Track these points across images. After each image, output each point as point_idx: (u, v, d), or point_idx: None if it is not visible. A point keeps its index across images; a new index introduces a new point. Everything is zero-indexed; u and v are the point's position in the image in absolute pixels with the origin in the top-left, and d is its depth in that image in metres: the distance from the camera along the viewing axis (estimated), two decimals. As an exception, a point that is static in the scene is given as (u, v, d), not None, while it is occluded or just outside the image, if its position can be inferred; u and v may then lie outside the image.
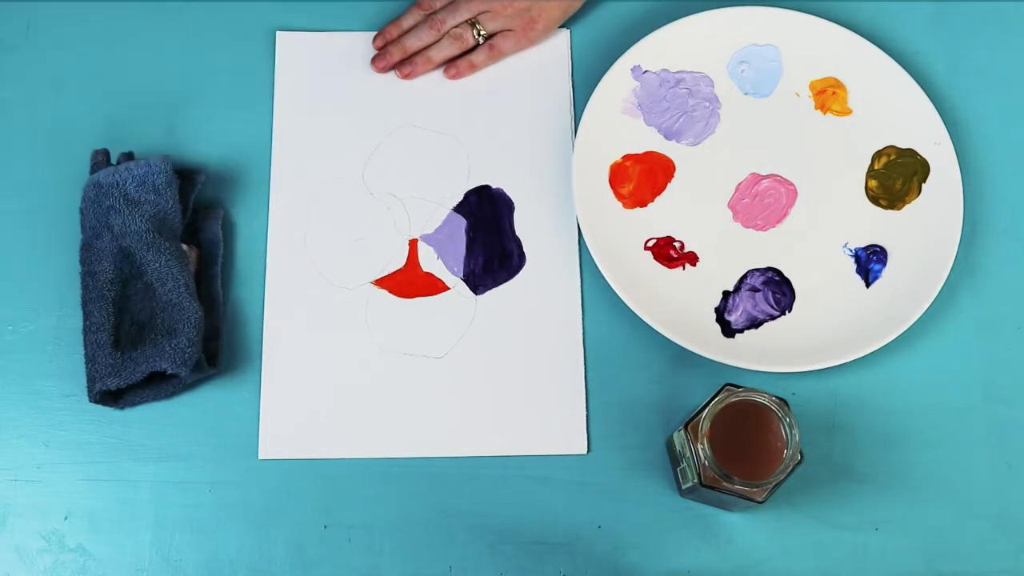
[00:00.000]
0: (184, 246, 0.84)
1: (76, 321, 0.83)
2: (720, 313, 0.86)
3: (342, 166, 0.89)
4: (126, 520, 0.80)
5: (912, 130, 0.90)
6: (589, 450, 0.82)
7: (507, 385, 0.84)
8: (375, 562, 0.80)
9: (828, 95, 0.91)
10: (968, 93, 0.92)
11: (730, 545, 0.81)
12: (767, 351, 0.84)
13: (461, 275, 0.87)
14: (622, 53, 0.90)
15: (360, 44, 0.92)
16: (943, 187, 0.88)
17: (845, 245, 0.88)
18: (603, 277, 0.84)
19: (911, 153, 0.89)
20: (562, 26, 0.93)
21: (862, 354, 0.83)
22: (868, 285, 0.86)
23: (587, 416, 0.83)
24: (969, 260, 0.88)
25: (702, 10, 0.91)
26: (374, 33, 0.92)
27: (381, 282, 0.86)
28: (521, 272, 0.87)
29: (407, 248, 0.87)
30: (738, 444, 0.73)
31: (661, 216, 0.88)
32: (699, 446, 0.73)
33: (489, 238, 0.87)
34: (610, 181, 0.89)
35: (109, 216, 0.82)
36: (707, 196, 0.89)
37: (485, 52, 0.91)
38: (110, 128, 0.89)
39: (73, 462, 0.82)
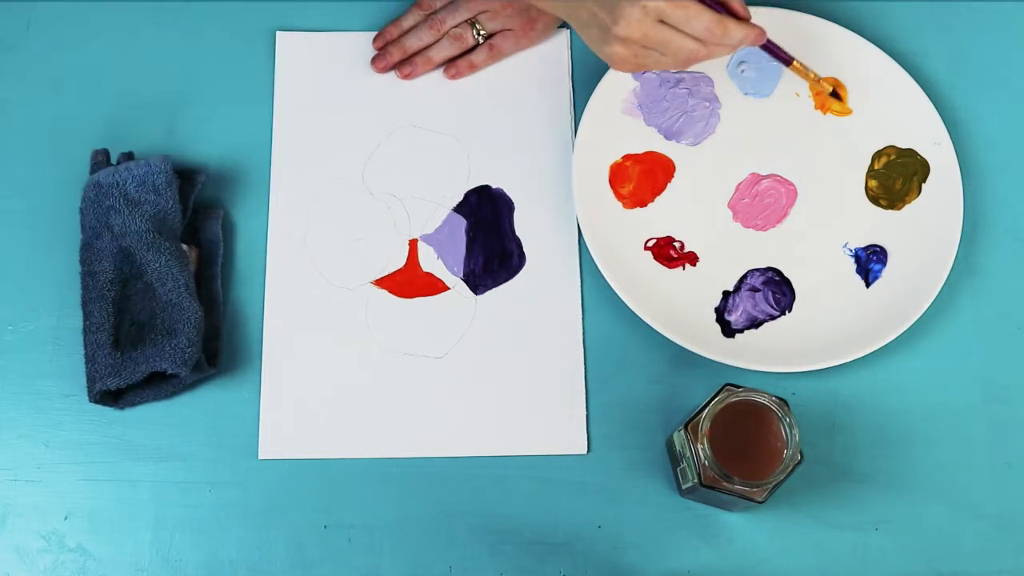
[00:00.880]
0: (184, 246, 0.84)
1: (76, 321, 0.83)
2: (720, 313, 0.86)
3: (342, 166, 0.89)
4: (126, 520, 0.80)
5: (912, 130, 0.90)
6: (589, 450, 0.82)
7: (507, 385, 0.84)
8: (375, 562, 0.80)
9: (828, 95, 0.91)
10: (968, 93, 0.92)
11: (730, 545, 0.81)
12: (767, 351, 0.84)
13: (461, 275, 0.87)
14: (622, 53, 0.90)
15: (360, 44, 0.92)
16: (943, 187, 0.88)
17: (845, 245, 0.88)
18: (603, 277, 0.84)
19: (911, 153, 0.89)
20: (562, 26, 0.93)
21: (862, 354, 0.83)
22: (868, 285, 0.86)
23: (587, 416, 0.83)
24: (969, 260, 0.88)
25: (702, 10, 0.91)
26: (374, 33, 0.92)
27: (381, 282, 0.86)
28: (521, 272, 0.87)
29: (407, 248, 0.87)
30: (738, 444, 0.73)
31: (661, 216, 0.88)
32: (699, 446, 0.73)
33: (489, 238, 0.87)
34: (610, 181, 0.89)
35: (109, 216, 0.82)
36: (707, 196, 0.89)
37: (485, 52, 0.91)
38: (110, 128, 0.89)
39: (73, 462, 0.82)
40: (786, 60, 0.87)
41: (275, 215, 0.87)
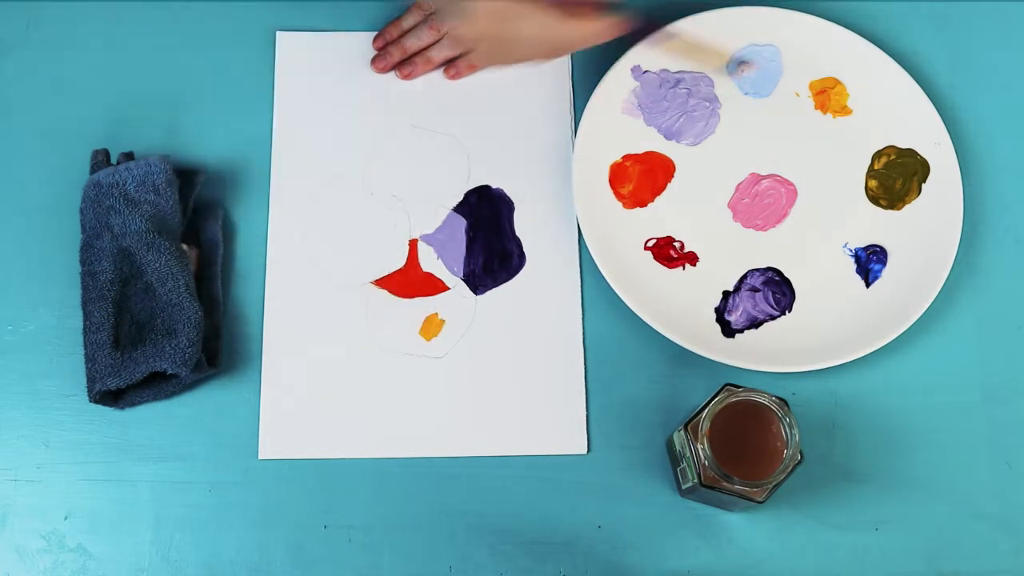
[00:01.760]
0: (184, 246, 0.84)
1: (76, 321, 0.83)
2: (720, 313, 0.86)
3: (342, 166, 0.89)
4: (126, 520, 0.80)
5: (912, 130, 0.90)
6: (589, 450, 0.82)
7: (507, 385, 0.84)
8: (375, 562, 0.80)
9: (828, 95, 0.91)
10: (968, 93, 0.92)
11: (730, 545, 0.81)
12: (767, 351, 0.84)
13: (461, 275, 0.87)
14: (622, 53, 0.90)
15: (360, 44, 0.92)
16: (943, 187, 0.88)
17: (845, 245, 0.88)
18: (603, 277, 0.84)
19: (911, 153, 0.89)
20: (562, 26, 0.93)
21: (862, 354, 0.83)
22: (868, 285, 0.86)
23: (587, 416, 0.83)
24: (969, 260, 0.88)
25: (702, 10, 0.91)
26: (374, 33, 0.92)
27: (381, 282, 0.86)
28: (521, 272, 0.87)
29: (407, 248, 0.87)
30: (738, 444, 0.73)
31: (661, 216, 0.88)
32: (699, 446, 0.73)
33: (489, 238, 0.87)
34: (610, 181, 0.89)
35: (109, 216, 0.82)
36: (707, 196, 0.89)
37: (485, 52, 0.91)
38: (110, 128, 0.89)
39: (73, 462, 0.82)
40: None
41: (275, 215, 0.87)
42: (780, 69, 0.92)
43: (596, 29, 0.82)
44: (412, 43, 0.91)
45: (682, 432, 0.75)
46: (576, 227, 0.87)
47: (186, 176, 0.86)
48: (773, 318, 0.86)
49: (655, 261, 0.87)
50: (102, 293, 0.81)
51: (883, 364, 0.84)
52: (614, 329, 0.85)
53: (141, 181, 0.83)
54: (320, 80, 0.91)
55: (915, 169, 0.89)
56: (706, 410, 0.73)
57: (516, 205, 0.88)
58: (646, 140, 0.90)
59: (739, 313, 0.86)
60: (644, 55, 0.90)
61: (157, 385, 0.82)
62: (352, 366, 0.84)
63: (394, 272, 0.86)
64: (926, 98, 0.89)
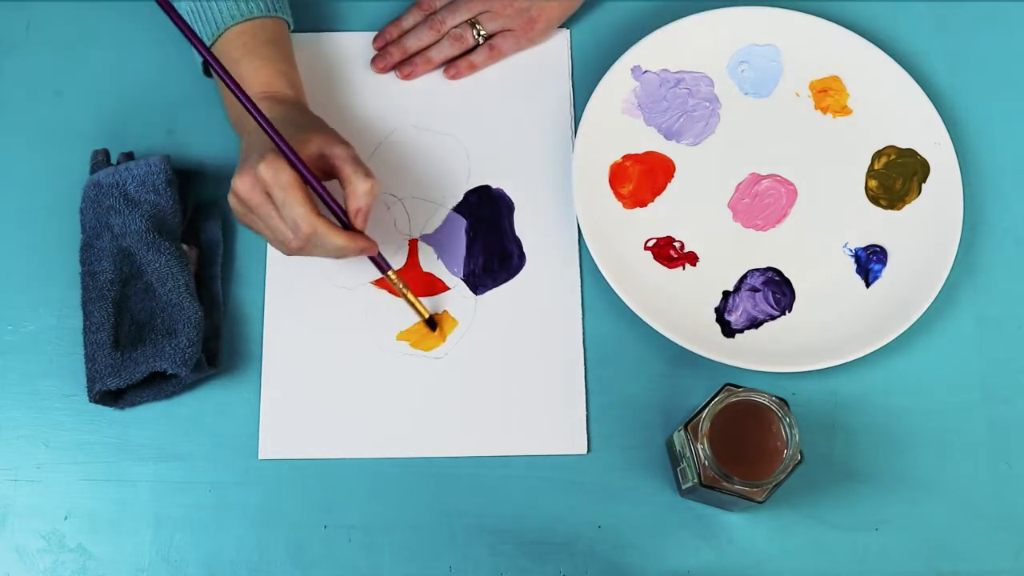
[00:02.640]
0: (184, 246, 0.84)
1: (76, 321, 0.83)
2: (720, 313, 0.86)
3: (342, 166, 0.89)
4: (126, 520, 0.80)
5: (912, 130, 0.90)
6: (589, 450, 0.82)
7: (507, 385, 0.84)
8: (375, 562, 0.80)
9: (828, 95, 0.91)
10: (968, 93, 0.92)
11: (730, 545, 0.81)
12: (767, 351, 0.84)
13: (461, 275, 0.87)
14: (622, 53, 0.90)
15: (360, 44, 0.92)
16: (943, 187, 0.88)
17: (845, 245, 0.88)
18: (603, 277, 0.84)
19: (911, 153, 0.89)
20: (562, 26, 0.93)
21: (862, 354, 0.83)
22: (868, 285, 0.86)
23: (587, 416, 0.83)
24: (969, 260, 0.88)
25: (702, 10, 0.91)
26: (374, 33, 0.92)
27: (381, 282, 0.86)
28: (521, 272, 0.87)
29: (407, 248, 0.87)
30: (738, 444, 0.73)
31: (661, 216, 0.88)
32: (699, 446, 0.73)
33: (489, 238, 0.87)
34: (610, 181, 0.89)
35: (109, 216, 0.83)
36: (707, 196, 0.89)
37: (485, 52, 0.91)
38: (110, 128, 0.89)
39: (73, 462, 0.82)
40: (383, 268, 0.81)
41: (275, 215, 0.87)
42: (780, 69, 0.92)
43: (349, 245, 0.77)
44: (412, 43, 0.91)
45: (682, 432, 0.75)
46: (576, 227, 0.87)
47: (186, 176, 0.86)
48: (773, 318, 0.86)
49: (655, 261, 0.87)
50: (102, 293, 0.81)
51: (883, 364, 0.84)
52: (614, 329, 0.85)
53: (141, 181, 0.83)
54: (320, 80, 0.91)
55: (915, 169, 0.89)
56: (706, 410, 0.73)
57: (516, 205, 0.88)
58: (646, 140, 0.90)
59: (739, 313, 0.86)
60: (644, 55, 0.90)
61: (157, 385, 0.82)
62: (352, 366, 0.84)
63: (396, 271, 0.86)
64: (926, 98, 0.89)
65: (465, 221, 0.88)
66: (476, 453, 0.82)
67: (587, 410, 0.83)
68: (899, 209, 0.88)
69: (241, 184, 0.75)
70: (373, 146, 0.90)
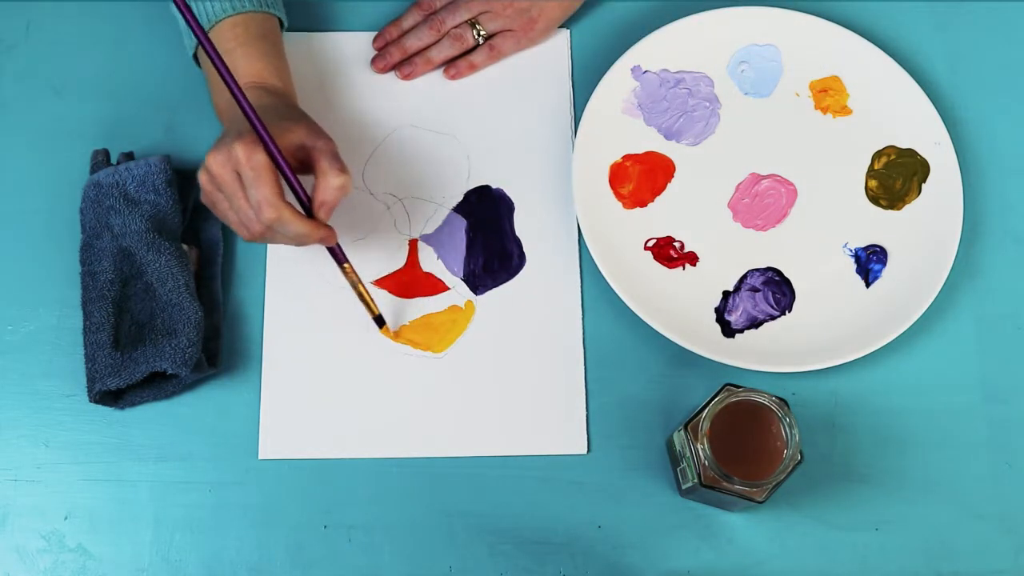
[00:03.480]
0: (184, 246, 0.84)
1: (76, 321, 0.83)
2: (720, 313, 0.86)
3: (342, 166, 0.89)
4: (126, 520, 0.80)
5: (912, 130, 0.90)
6: (589, 450, 0.82)
7: (507, 385, 0.84)
8: (375, 562, 0.80)
9: (828, 95, 0.91)
10: (968, 93, 0.92)
11: (730, 545, 0.81)
12: (767, 351, 0.84)
13: (461, 275, 0.87)
14: (622, 53, 0.90)
15: (360, 44, 0.92)
16: (943, 187, 0.88)
17: (845, 245, 0.88)
18: (603, 277, 0.84)
19: (911, 153, 0.89)
20: (562, 26, 0.93)
21: (862, 354, 0.83)
22: (868, 285, 0.86)
23: (587, 416, 0.83)
24: (969, 260, 0.88)
25: (702, 10, 0.91)
26: (374, 33, 0.92)
27: (381, 282, 0.86)
28: (521, 272, 0.87)
29: (407, 248, 0.87)
30: (738, 444, 0.73)
31: (661, 216, 0.88)
32: (699, 446, 0.73)
33: (489, 238, 0.87)
34: (610, 181, 0.89)
35: (109, 216, 0.83)
36: (707, 196, 0.89)
37: (485, 52, 0.91)
38: (110, 128, 0.89)
39: (73, 462, 0.82)
40: (340, 260, 0.81)
41: (275, 215, 0.87)
42: (780, 69, 0.92)
43: (311, 233, 0.77)
44: (412, 43, 0.91)
45: (682, 432, 0.75)
46: (576, 227, 0.87)
47: (186, 176, 0.86)
48: (773, 318, 0.86)
49: (655, 261, 0.87)
50: (102, 293, 0.81)
51: (883, 364, 0.84)
52: (614, 329, 0.85)
53: (141, 181, 0.83)
54: (320, 80, 0.91)
55: (915, 169, 0.89)
56: (706, 410, 0.73)
57: (516, 205, 0.88)
58: (646, 140, 0.90)
59: (739, 313, 0.86)
60: (644, 55, 0.90)
61: (157, 385, 0.82)
62: (352, 366, 0.84)
63: (394, 272, 0.86)
64: (926, 98, 0.89)
65: (465, 221, 0.88)
66: (476, 453, 0.82)
67: (587, 410, 0.83)
68: (899, 209, 0.88)
69: (213, 160, 0.74)
70: (373, 146, 0.90)
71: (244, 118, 0.75)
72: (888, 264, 0.87)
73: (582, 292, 0.86)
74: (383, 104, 0.91)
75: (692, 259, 0.87)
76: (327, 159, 0.76)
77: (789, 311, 0.86)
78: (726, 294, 0.86)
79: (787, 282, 0.87)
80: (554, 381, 0.84)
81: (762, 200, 0.89)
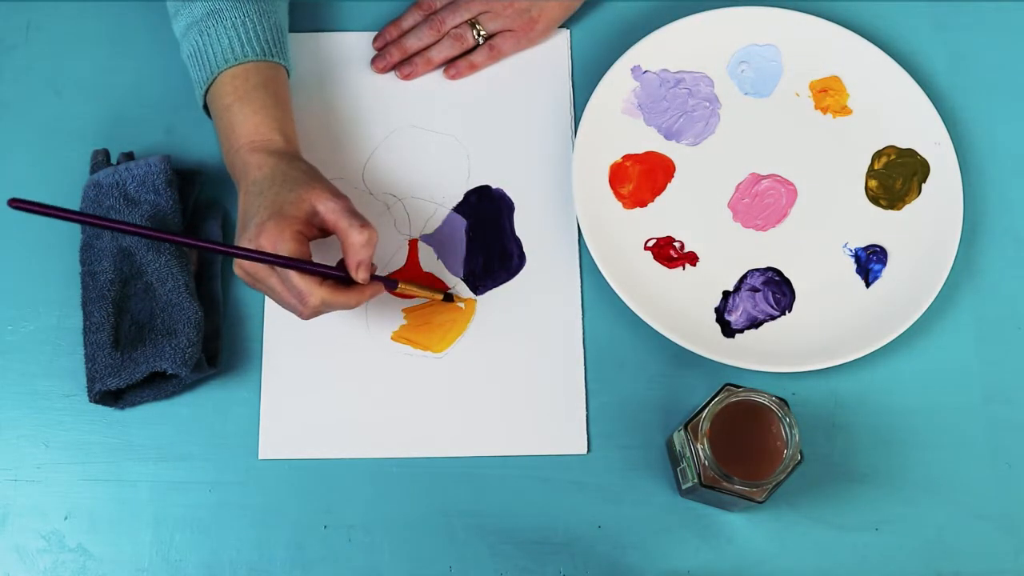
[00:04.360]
0: (184, 246, 0.84)
1: (76, 321, 0.83)
2: (720, 313, 0.86)
3: (342, 166, 0.89)
4: (126, 520, 0.80)
5: (912, 130, 0.90)
6: (589, 450, 0.82)
7: (507, 385, 0.84)
8: (375, 562, 0.80)
9: (828, 95, 0.91)
10: (968, 93, 0.92)
11: (730, 545, 0.81)
12: (767, 351, 0.84)
13: (461, 275, 0.87)
14: (622, 53, 0.90)
15: (360, 44, 0.92)
16: (943, 187, 0.88)
17: (845, 245, 0.88)
18: (603, 277, 0.84)
19: (911, 153, 0.89)
20: (562, 26, 0.93)
21: (862, 354, 0.83)
22: (868, 285, 0.86)
23: (587, 416, 0.83)
24: (969, 260, 0.88)
25: (702, 10, 0.91)
26: (374, 33, 0.92)
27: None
28: (521, 272, 0.87)
29: (407, 248, 0.87)
30: (738, 444, 0.73)
31: (661, 216, 0.88)
32: (699, 446, 0.73)
33: (489, 238, 0.87)
34: (610, 181, 0.89)
35: (109, 216, 0.82)
36: (707, 196, 0.89)
37: (485, 52, 0.91)
38: (110, 128, 0.89)
39: (73, 462, 0.82)
40: (392, 289, 0.81)
41: (275, 215, 0.87)
42: (780, 69, 0.92)
43: (348, 300, 0.77)
44: (412, 43, 0.91)
45: (682, 432, 0.75)
46: (576, 227, 0.87)
47: (186, 176, 0.86)
48: (773, 318, 0.86)
49: (655, 261, 0.87)
50: (102, 293, 0.81)
51: (883, 364, 0.84)
52: (614, 329, 0.85)
53: (141, 181, 0.83)
54: (320, 80, 0.91)
55: (915, 169, 0.89)
56: (706, 410, 0.73)
57: (516, 205, 0.88)
58: (646, 140, 0.90)
59: (739, 313, 0.86)
60: (644, 55, 0.90)
61: (157, 385, 0.82)
62: (352, 366, 0.84)
63: (394, 272, 0.86)
64: (926, 98, 0.89)
65: (465, 221, 0.88)
66: (476, 453, 0.82)
67: (587, 410, 0.83)
68: (899, 209, 0.88)
69: (240, 262, 0.76)
70: (373, 146, 0.90)
71: (255, 186, 0.76)
72: (888, 264, 0.87)
73: (582, 292, 0.86)
74: (383, 104, 0.91)
75: (692, 259, 0.87)
76: (345, 219, 0.75)
77: (789, 311, 0.86)
78: (726, 294, 0.86)
79: (787, 282, 0.87)
80: (554, 381, 0.84)
81: (762, 200, 0.89)
